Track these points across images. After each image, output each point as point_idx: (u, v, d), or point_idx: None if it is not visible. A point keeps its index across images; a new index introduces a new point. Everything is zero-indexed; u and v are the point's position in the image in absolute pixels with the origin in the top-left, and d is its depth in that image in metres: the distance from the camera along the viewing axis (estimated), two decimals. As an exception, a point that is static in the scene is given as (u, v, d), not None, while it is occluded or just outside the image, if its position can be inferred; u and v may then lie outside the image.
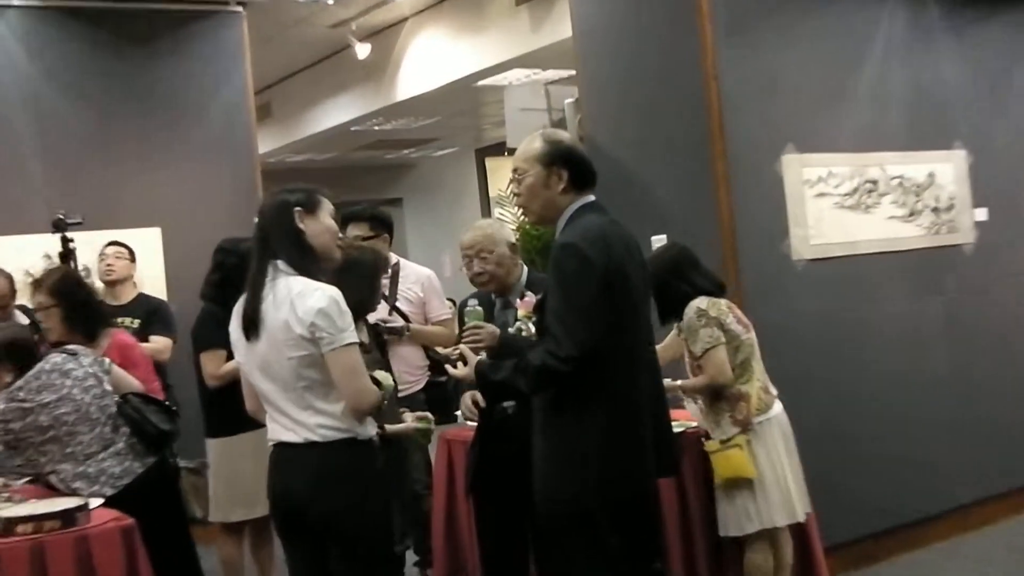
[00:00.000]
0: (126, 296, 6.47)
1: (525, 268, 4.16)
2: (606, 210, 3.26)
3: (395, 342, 5.12)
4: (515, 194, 3.28)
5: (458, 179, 15.82)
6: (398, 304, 5.27)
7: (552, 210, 3.21)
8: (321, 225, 3.18)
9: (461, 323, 3.96)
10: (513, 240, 4.15)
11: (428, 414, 4.00)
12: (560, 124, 6.61)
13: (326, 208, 3.21)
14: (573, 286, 2.99)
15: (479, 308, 3.63)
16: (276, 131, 12.75)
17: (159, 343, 6.16)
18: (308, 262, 3.12)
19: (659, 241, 5.48)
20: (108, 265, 6.40)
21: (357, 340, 3.07)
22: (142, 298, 6.51)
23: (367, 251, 4.26)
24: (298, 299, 3.03)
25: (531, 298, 3.62)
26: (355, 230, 5.22)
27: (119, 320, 6.15)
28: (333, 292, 3.05)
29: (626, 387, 3.11)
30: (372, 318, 4.60)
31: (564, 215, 3.20)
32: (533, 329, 3.50)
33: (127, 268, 6.51)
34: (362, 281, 4.02)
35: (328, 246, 3.19)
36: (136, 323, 6.30)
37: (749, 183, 5.38)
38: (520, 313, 3.61)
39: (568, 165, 3.21)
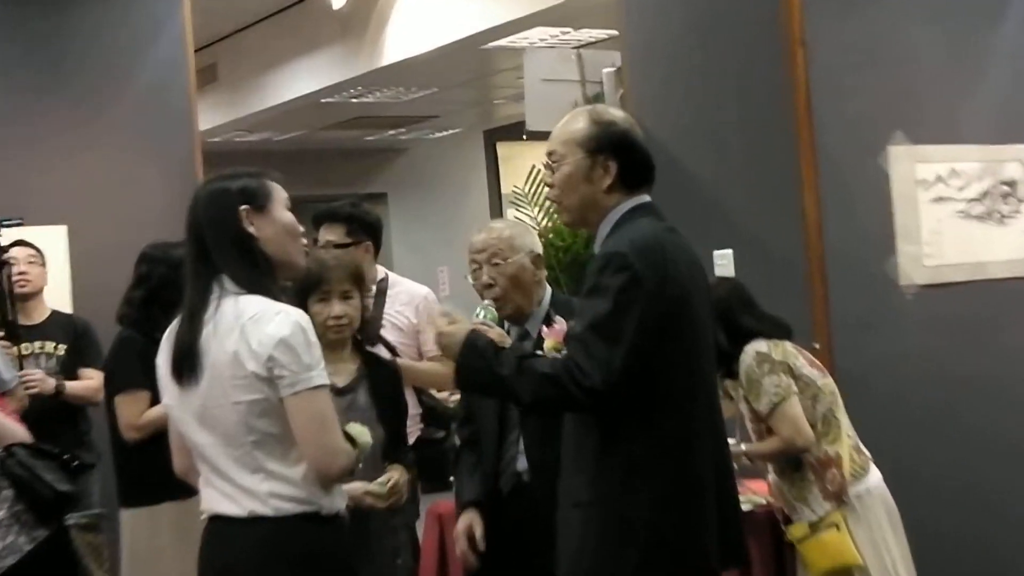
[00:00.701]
0: (39, 314, 6.43)
1: (549, 289, 4.25)
2: (663, 215, 3.34)
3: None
4: (547, 184, 3.38)
5: (461, 170, 16.00)
6: (384, 332, 5.30)
7: (593, 210, 3.31)
8: (276, 224, 3.21)
9: None
10: (539, 250, 4.24)
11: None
12: (595, 101, 6.71)
13: (279, 199, 3.25)
14: (614, 304, 3.07)
15: (491, 313, 3.71)
16: (224, 101, 12.71)
17: (94, 379, 6.03)
18: (262, 276, 3.16)
19: (723, 258, 5.60)
20: (21, 273, 6.32)
21: (327, 382, 3.10)
22: (58, 316, 6.48)
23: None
24: (252, 325, 3.06)
25: (561, 325, 3.69)
26: (328, 234, 5.29)
27: (35, 345, 6.16)
28: (299, 317, 3.09)
29: (682, 449, 3.20)
30: None
31: (608, 219, 3.29)
32: None
33: (41, 276, 6.48)
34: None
35: (288, 251, 3.23)
36: (61, 349, 6.30)
37: (844, 183, 5.47)
38: (547, 344, 3.64)
39: (619, 155, 3.29)
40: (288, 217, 3.22)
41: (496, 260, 4.14)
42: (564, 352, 3.28)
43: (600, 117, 3.33)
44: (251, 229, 3.16)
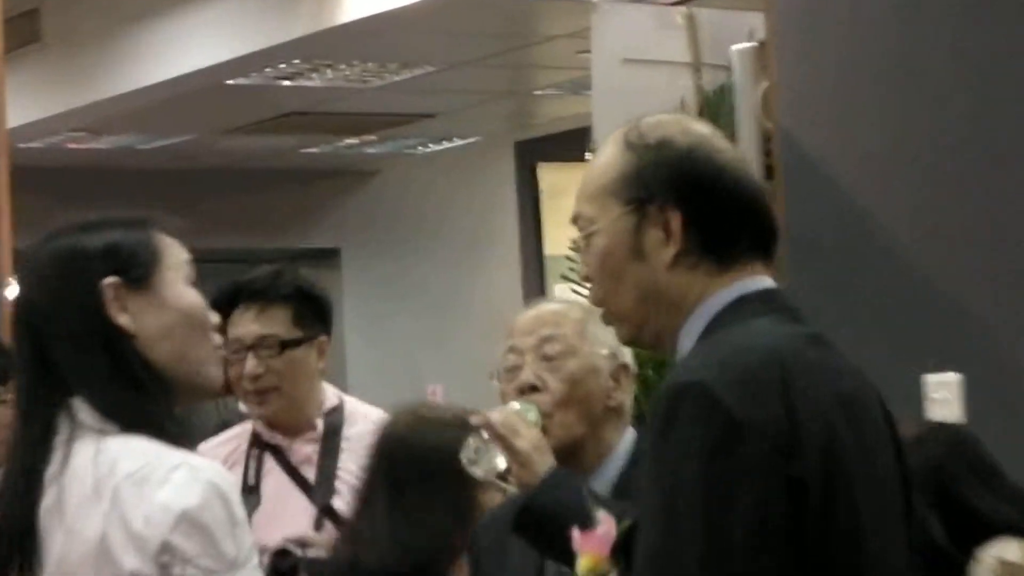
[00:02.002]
0: None
1: (631, 434, 3.74)
2: (798, 312, 2.77)
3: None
4: (582, 277, 2.94)
5: (473, 209, 12.69)
6: (336, 500, 4.58)
7: (660, 310, 2.77)
8: (168, 311, 2.86)
9: None
10: (624, 357, 3.74)
11: None
12: (717, 103, 5.82)
13: (174, 265, 2.88)
14: (695, 492, 2.53)
15: (532, 418, 3.47)
16: (51, 78, 10.14)
17: None
18: (145, 400, 2.79)
19: (941, 388, 4.92)
20: None
21: None
22: None
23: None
24: (131, 490, 2.70)
25: (607, 528, 3.19)
26: (255, 325, 4.55)
27: None
28: (214, 474, 2.73)
29: None
30: (277, 536, 4.30)
31: (690, 324, 2.74)
32: None
33: None
34: None
35: (190, 357, 2.87)
36: None
37: None
38: (580, 565, 3.23)
39: (686, 194, 2.73)
40: (189, 298, 2.86)
41: (551, 350, 3.69)
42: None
43: (641, 137, 2.78)
44: (122, 320, 2.80)
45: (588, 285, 2.92)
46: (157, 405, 2.81)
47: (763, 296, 2.78)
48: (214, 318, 2.93)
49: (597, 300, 2.89)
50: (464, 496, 3.84)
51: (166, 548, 2.69)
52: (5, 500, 2.84)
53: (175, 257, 2.88)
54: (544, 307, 3.87)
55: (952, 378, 4.99)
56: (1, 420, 4.49)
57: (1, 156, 6.10)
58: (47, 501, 2.79)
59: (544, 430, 3.62)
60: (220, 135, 11.50)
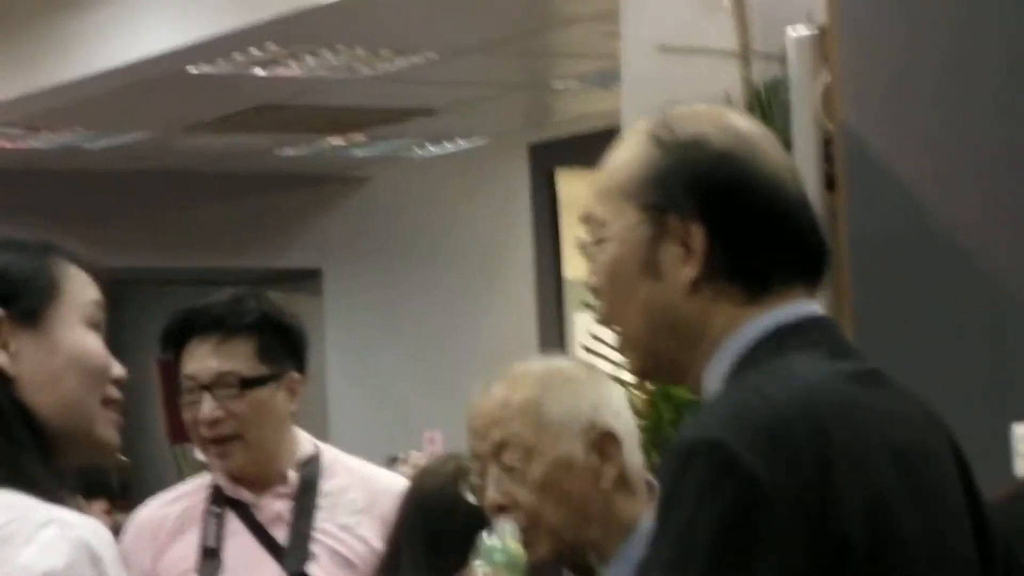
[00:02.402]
0: None
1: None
2: (845, 344, 2.56)
3: None
4: (589, 287, 2.68)
5: (480, 223, 11.92)
6: (311, 566, 4.42)
7: (673, 339, 2.54)
8: (57, 354, 2.70)
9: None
10: (605, 423, 3.46)
11: None
12: (768, 99, 5.53)
13: (74, 300, 2.73)
14: (705, 569, 2.33)
15: (511, 546, 3.31)
16: None
17: None
18: (17, 451, 2.66)
19: None
20: None
21: None
22: None
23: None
24: None
25: None
26: (214, 361, 4.42)
27: None
28: (85, 531, 2.56)
29: None
30: None
31: (715, 359, 2.49)
32: None
33: None
34: None
35: (77, 409, 2.72)
36: None
37: None
38: None
39: (714, 206, 2.49)
40: (86, 344, 2.70)
41: (509, 459, 3.40)
42: None
43: (671, 132, 2.53)
44: (1, 359, 2.66)
45: (595, 297, 2.75)
46: (30, 455, 2.71)
47: (803, 327, 2.57)
48: (117, 370, 2.79)
49: (604, 319, 2.73)
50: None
51: None
52: None
53: (78, 294, 2.76)
54: (489, 398, 3.52)
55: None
56: None
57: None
58: None
59: (529, 546, 3.42)
60: (180, 132, 10.84)
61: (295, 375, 4.40)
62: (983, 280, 5.02)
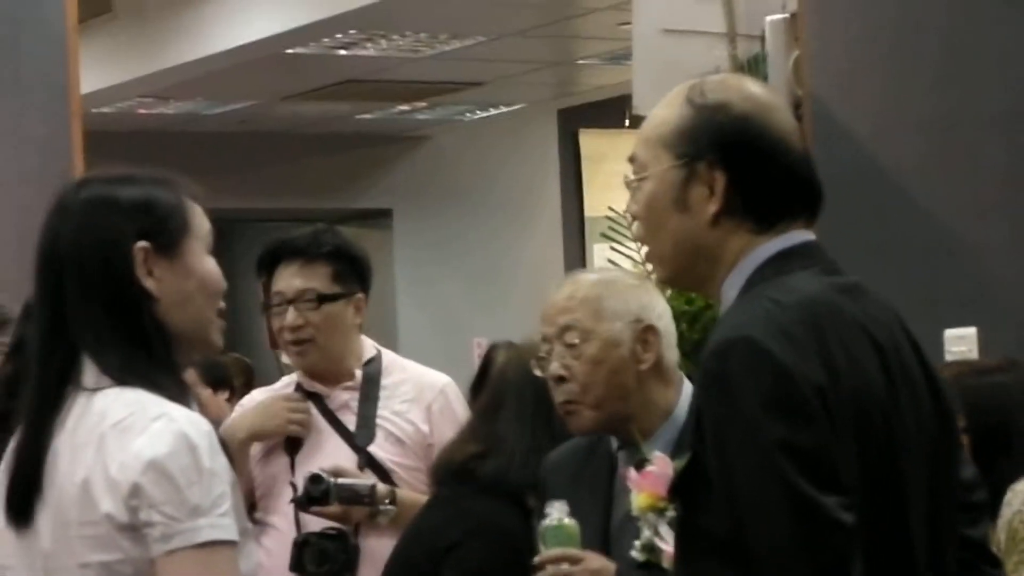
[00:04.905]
0: None
1: (687, 387, 3.67)
2: (836, 265, 2.79)
3: (364, 522, 4.47)
4: (631, 215, 2.92)
5: (518, 174, 12.84)
6: (373, 447, 4.56)
7: (698, 259, 2.80)
8: (190, 278, 2.83)
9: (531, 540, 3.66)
10: (650, 318, 3.66)
11: None
12: (752, 67, 5.82)
13: (200, 234, 2.84)
14: (757, 443, 2.54)
15: (567, 522, 3.43)
16: (123, 45, 10.44)
17: None
18: (152, 364, 2.75)
19: (960, 342, 5.01)
20: None
21: (229, 536, 2.72)
22: None
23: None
24: (114, 437, 2.70)
25: (660, 467, 3.31)
26: (297, 280, 4.55)
27: None
28: (188, 425, 2.70)
29: None
30: (321, 463, 4.34)
31: (732, 278, 2.76)
32: (668, 540, 3.24)
33: None
34: None
35: (202, 322, 2.85)
36: None
37: None
38: (637, 502, 3.33)
39: (732, 161, 2.74)
40: (210, 268, 2.85)
41: (571, 338, 3.64)
42: (670, 513, 3.11)
43: (703, 96, 2.78)
44: (148, 283, 2.76)
45: (634, 227, 2.99)
46: (161, 368, 2.81)
47: (803, 250, 2.80)
48: (223, 285, 2.94)
49: (640, 239, 2.97)
50: (563, 431, 3.87)
51: (135, 492, 2.70)
52: (18, 446, 2.86)
53: (200, 226, 2.88)
54: (561, 292, 3.83)
55: (969, 332, 5.07)
56: None
57: (75, 120, 6.04)
58: (55, 446, 2.80)
59: (572, 417, 3.69)
60: (280, 101, 11.81)
61: (361, 295, 4.62)
62: (920, 213, 5.39)
